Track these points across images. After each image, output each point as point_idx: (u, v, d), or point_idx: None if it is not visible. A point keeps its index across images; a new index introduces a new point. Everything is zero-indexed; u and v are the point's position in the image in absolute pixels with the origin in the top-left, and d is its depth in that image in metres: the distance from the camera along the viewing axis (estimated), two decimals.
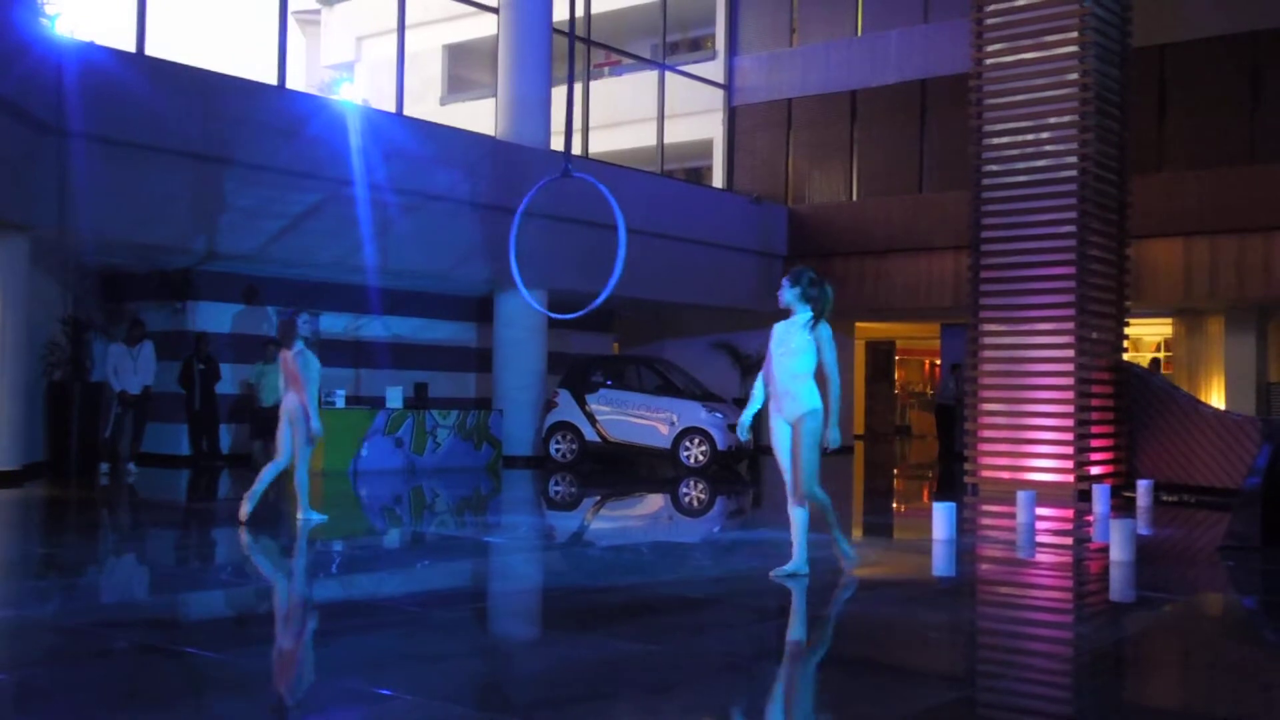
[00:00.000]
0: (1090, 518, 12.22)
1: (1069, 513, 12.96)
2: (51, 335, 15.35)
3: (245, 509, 10.03)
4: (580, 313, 8.43)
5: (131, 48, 14.21)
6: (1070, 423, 14.43)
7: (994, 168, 15.20)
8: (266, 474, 10.17)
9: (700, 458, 17.67)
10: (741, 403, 21.68)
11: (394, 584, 7.95)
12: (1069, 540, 11.19)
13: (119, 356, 14.93)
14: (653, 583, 8.04)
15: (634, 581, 8.04)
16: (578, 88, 21.34)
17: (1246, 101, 19.05)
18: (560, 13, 19.44)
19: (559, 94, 19.31)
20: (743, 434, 7.85)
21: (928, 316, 23.77)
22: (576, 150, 20.51)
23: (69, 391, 15.22)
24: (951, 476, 18.69)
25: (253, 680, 5.30)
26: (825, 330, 7.64)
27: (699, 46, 25.88)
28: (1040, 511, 12.00)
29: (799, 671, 5.77)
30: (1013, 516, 11.55)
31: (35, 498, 12.43)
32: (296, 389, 10.18)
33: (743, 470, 18.46)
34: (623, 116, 23.94)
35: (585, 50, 21.23)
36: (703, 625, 6.61)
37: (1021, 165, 15.01)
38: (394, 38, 17.94)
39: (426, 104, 24.60)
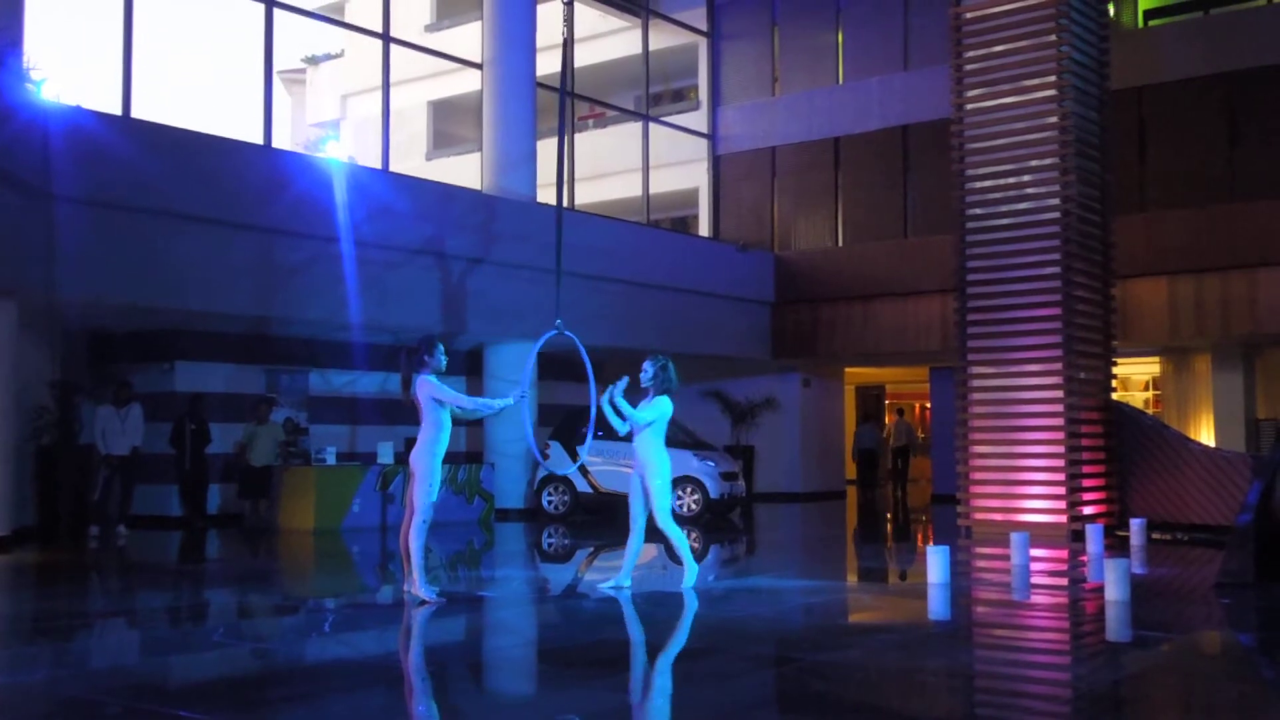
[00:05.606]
0: (1084, 558, 12.20)
1: (1063, 553, 12.94)
2: (39, 399, 15.29)
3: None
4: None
5: (118, 110, 14.30)
6: (1061, 463, 14.45)
7: (977, 211, 15.32)
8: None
9: (693, 506, 17.62)
10: (733, 450, 21.75)
11: (387, 641, 7.89)
12: (1064, 581, 11.17)
13: (107, 419, 14.79)
14: (648, 633, 8.00)
15: (629, 633, 8.00)
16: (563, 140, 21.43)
17: (1225, 140, 19.23)
18: (544, 68, 19.60)
19: (543, 147, 19.42)
20: None
21: (916, 360, 23.80)
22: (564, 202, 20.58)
23: (58, 455, 15.14)
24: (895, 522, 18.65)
25: None
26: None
27: (682, 97, 26.05)
28: (1034, 553, 11.98)
29: None
30: (1007, 558, 11.53)
31: (25, 562, 12.34)
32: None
33: (735, 518, 18.40)
34: (608, 168, 24.05)
35: (570, 103, 21.34)
36: (699, 675, 6.57)
37: (1004, 208, 15.14)
38: (379, 95, 18.07)
39: (412, 160, 24.71)
